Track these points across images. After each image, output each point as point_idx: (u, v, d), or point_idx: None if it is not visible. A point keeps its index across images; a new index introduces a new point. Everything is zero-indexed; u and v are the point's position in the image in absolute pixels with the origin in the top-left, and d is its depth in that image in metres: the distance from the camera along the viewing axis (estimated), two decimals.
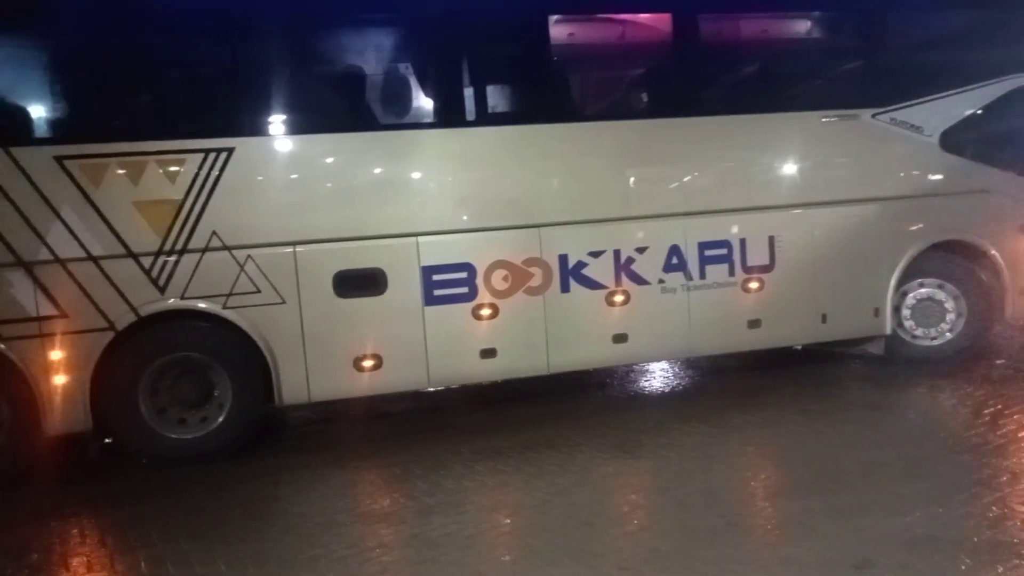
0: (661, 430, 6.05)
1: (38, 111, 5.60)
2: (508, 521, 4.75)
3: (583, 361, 6.72)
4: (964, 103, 7.16)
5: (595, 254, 6.50)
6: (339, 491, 5.32)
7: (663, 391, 7.35)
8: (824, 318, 7.03)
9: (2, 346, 5.38)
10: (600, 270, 6.52)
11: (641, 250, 6.59)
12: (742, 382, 7.25)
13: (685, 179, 6.71)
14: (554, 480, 5.23)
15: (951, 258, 7.29)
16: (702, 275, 6.76)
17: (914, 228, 7.15)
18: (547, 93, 6.45)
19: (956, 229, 7.24)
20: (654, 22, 6.86)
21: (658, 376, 7.69)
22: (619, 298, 6.58)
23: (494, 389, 6.57)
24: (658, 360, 7.04)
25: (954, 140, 7.12)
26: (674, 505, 4.83)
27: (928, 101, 7.05)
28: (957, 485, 4.74)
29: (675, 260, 6.69)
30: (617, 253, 6.54)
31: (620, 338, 6.58)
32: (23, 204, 5.35)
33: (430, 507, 4.91)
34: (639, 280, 6.61)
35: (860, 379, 7.25)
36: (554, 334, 6.42)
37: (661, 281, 6.66)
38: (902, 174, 7.15)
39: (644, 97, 7.09)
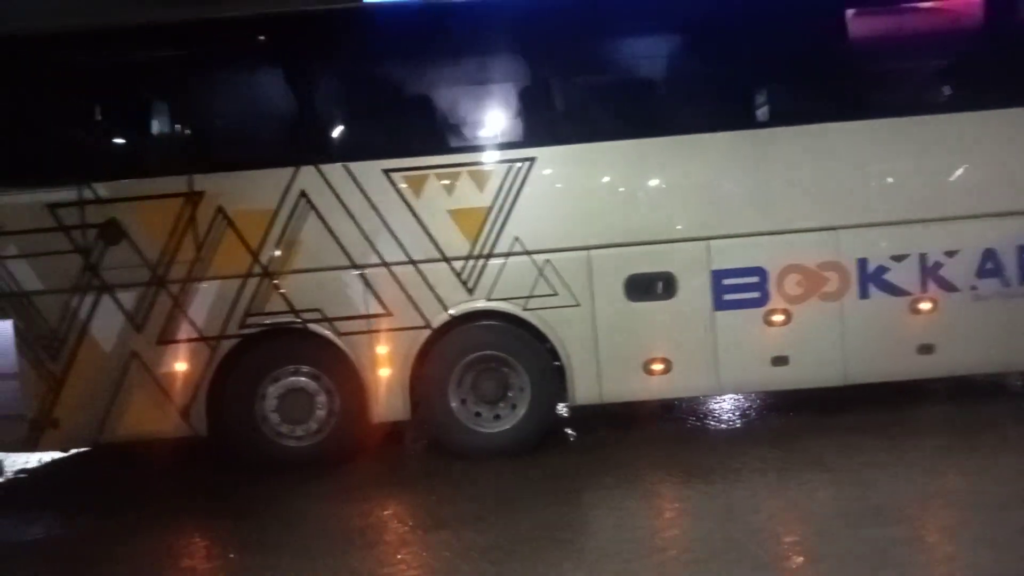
0: (732, 457, 5.74)
1: (369, 130, 6.26)
2: (576, 542, 4.63)
3: (883, 373, 6.30)
4: None
5: (898, 258, 6.11)
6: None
7: (729, 418, 6.82)
8: None
9: (337, 340, 6.05)
10: (904, 275, 6.13)
11: (951, 254, 6.11)
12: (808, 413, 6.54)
13: (1004, 175, 6.10)
14: (620, 504, 5.09)
15: None
16: (1022, 281, 6.17)
17: None
18: (844, 90, 6.14)
19: None
20: (963, 6, 6.35)
21: (727, 402, 7.15)
22: (925, 306, 6.13)
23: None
24: (970, 373, 6.43)
25: None
26: (745, 535, 4.54)
27: None
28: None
29: (990, 265, 6.13)
30: (923, 257, 6.11)
31: (926, 349, 6.13)
32: (356, 213, 6.00)
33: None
34: (948, 286, 6.12)
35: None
36: (852, 343, 6.11)
37: (974, 288, 6.13)
38: None
39: (954, 89, 6.51)
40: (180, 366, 6.02)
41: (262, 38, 6.12)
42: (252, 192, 6.02)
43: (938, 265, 6.13)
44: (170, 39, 6.00)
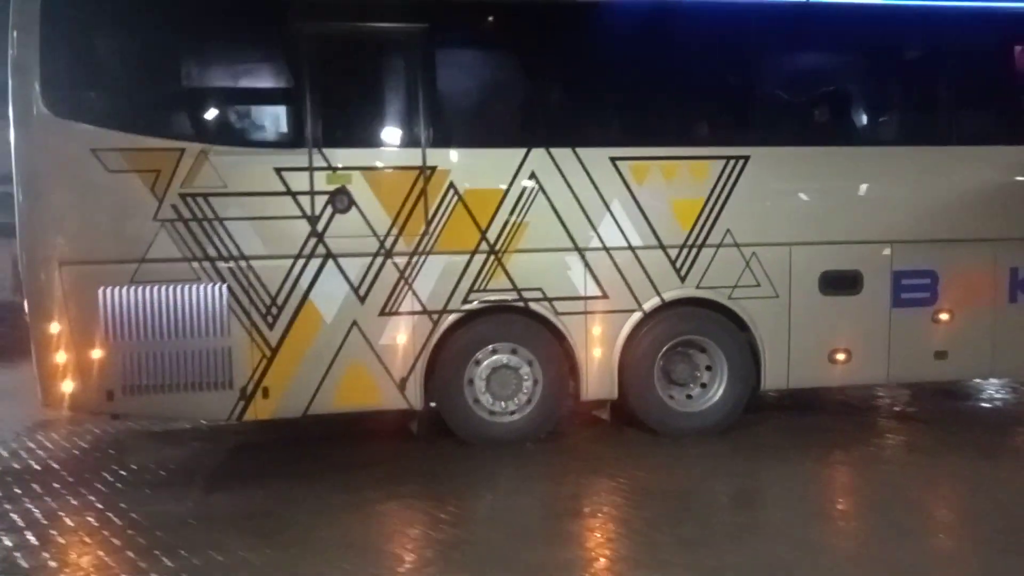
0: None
1: (600, 118, 6.46)
2: None
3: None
4: None
5: None
6: None
7: None
8: None
9: (555, 319, 6.21)
10: None
11: None
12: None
13: None
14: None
15: None
16: None
17: None
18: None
19: None
20: None
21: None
22: None
23: None
24: None
25: None
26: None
27: None
28: None
29: None
30: None
31: None
32: (582, 197, 6.17)
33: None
34: None
35: None
36: (1000, 341, 6.79)
37: None
38: None
39: None
40: (401, 338, 6.03)
41: (506, 22, 6.19)
42: (484, 170, 6.11)
43: None
44: (419, 15, 5.93)
